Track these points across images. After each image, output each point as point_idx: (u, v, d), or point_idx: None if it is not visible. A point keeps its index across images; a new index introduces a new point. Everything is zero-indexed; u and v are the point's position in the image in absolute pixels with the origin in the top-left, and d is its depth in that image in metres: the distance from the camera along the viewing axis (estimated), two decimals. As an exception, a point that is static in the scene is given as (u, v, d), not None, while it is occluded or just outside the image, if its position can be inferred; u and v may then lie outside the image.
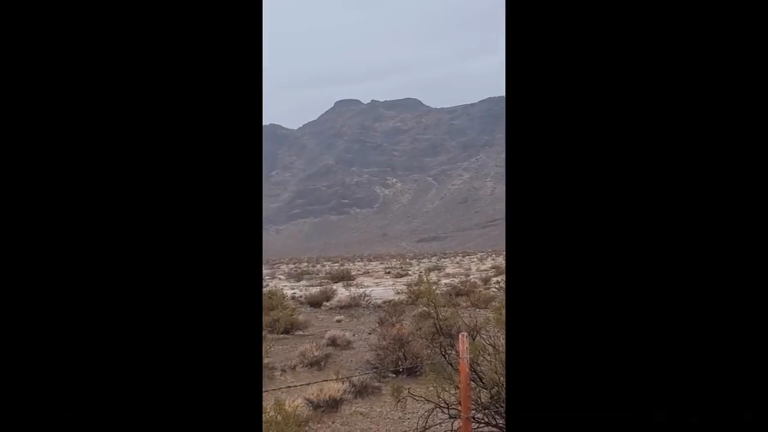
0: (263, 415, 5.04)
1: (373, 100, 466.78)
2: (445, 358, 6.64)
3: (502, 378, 5.66)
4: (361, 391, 10.59)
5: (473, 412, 5.75)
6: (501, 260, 57.83)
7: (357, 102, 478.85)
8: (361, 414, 9.52)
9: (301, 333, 17.84)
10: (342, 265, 71.61)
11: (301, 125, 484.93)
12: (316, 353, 13.67)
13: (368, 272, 53.36)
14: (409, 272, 48.31)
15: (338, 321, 21.01)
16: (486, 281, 33.06)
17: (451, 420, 6.37)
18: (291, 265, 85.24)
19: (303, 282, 42.88)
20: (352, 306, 24.36)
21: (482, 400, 6.11)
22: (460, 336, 5.45)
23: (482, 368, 6.10)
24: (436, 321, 6.98)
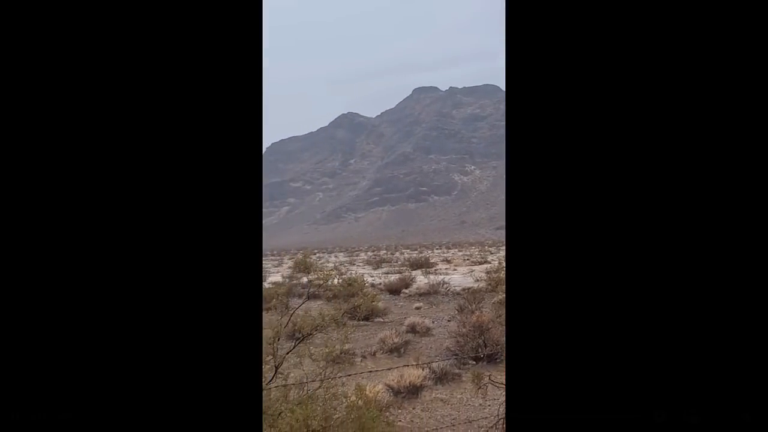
0: (345, 399, 5.15)
1: (451, 87, 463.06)
2: (525, 345, 6.57)
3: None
4: (441, 378, 10.62)
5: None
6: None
7: (435, 89, 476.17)
8: (442, 400, 9.56)
9: (381, 320, 18.02)
10: (420, 252, 71.68)
11: (378, 113, 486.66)
12: (395, 340, 13.79)
13: (447, 260, 53.20)
14: (489, 259, 47.88)
15: (417, 308, 21.10)
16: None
17: (533, 408, 6.31)
18: (369, 253, 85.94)
19: (382, 269, 43.20)
20: (431, 293, 24.39)
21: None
22: (541, 324, 5.38)
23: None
24: (516, 308, 6.90)
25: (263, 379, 5.02)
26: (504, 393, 6.65)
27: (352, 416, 4.90)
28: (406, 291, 25.74)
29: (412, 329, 15.88)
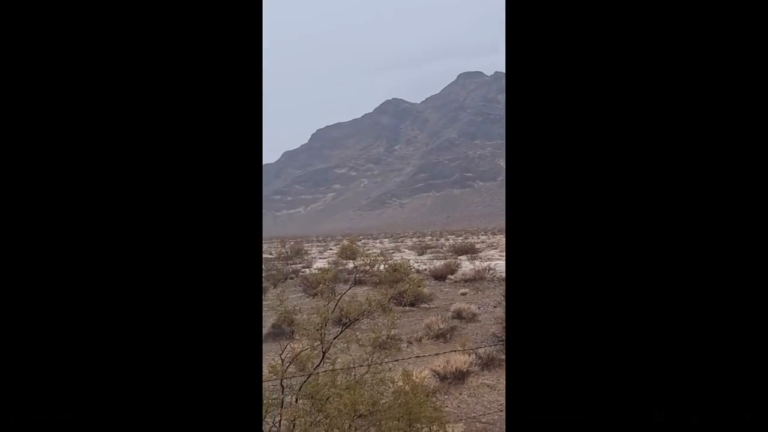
0: (392, 385, 5.15)
1: (496, 72, 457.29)
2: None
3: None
4: (488, 364, 10.58)
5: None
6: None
7: (480, 74, 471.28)
8: (488, 386, 9.52)
9: (427, 306, 18.02)
10: (466, 238, 71.38)
11: (423, 99, 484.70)
12: (441, 326, 13.78)
13: (492, 245, 52.85)
14: (535, 246, 47.33)
15: (463, 294, 21.04)
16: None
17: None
18: (415, 239, 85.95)
19: (427, 255, 43.17)
20: (476, 279, 24.28)
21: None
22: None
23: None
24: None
25: (311, 364, 5.06)
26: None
27: (399, 401, 4.90)
28: (452, 277, 25.68)
29: (458, 315, 15.84)
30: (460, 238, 75.64)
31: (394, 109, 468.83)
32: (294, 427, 4.68)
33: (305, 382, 4.92)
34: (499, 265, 28.28)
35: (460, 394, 9.15)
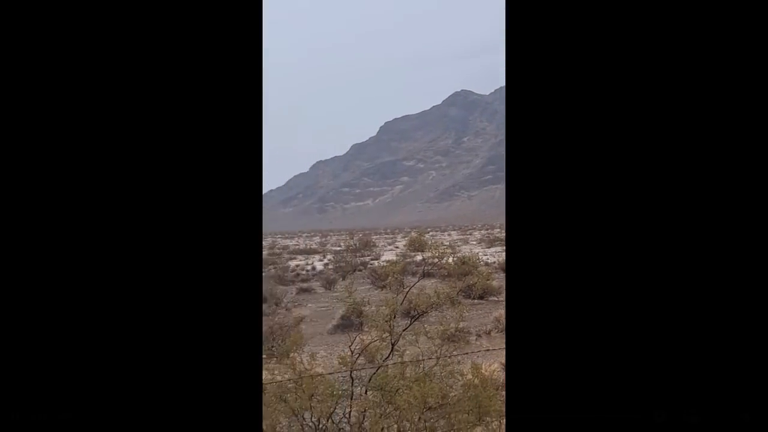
0: (461, 378, 5.13)
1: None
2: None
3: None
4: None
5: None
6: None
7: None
8: (559, 382, 9.35)
9: (496, 299, 17.86)
10: (536, 230, 70.22)
11: (492, 90, 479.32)
12: (511, 319, 13.62)
13: (563, 238, 51.90)
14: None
15: (533, 287, 20.74)
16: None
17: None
18: (483, 231, 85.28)
19: (496, 248, 42.79)
20: (547, 272, 23.90)
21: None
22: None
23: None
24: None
25: (380, 356, 5.09)
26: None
27: (469, 394, 4.88)
28: (521, 270, 25.35)
29: (528, 309, 15.64)
30: (530, 230, 74.53)
31: (462, 100, 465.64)
32: (364, 418, 4.72)
33: (374, 373, 4.95)
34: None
35: (530, 388, 9.03)
